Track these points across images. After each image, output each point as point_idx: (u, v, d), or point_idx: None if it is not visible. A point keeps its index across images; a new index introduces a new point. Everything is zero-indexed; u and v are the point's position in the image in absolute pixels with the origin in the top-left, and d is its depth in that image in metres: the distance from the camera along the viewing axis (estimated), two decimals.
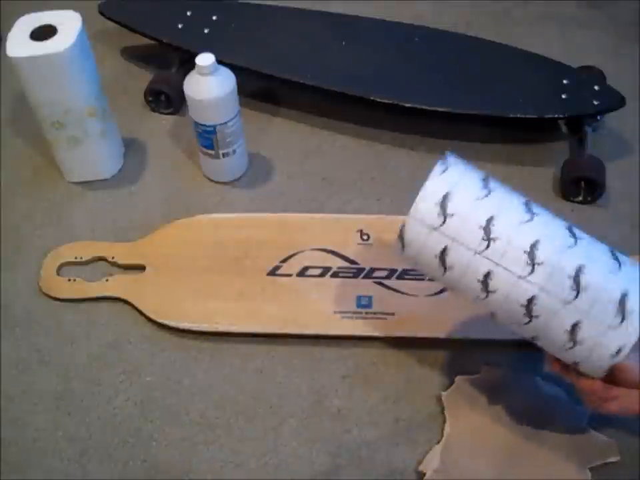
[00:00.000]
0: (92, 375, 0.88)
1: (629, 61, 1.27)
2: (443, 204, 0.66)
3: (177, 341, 0.91)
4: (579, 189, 1.04)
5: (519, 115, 1.06)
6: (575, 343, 0.65)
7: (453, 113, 1.07)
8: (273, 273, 0.95)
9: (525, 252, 0.65)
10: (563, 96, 1.07)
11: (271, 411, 0.84)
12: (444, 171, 0.68)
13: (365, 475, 0.79)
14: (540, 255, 0.64)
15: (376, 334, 0.89)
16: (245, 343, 0.90)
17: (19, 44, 0.93)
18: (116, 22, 1.23)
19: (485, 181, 0.68)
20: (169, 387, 0.87)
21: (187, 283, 0.95)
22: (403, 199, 1.05)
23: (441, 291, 0.92)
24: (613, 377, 0.68)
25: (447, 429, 0.80)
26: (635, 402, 0.66)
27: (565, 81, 1.09)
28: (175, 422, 0.84)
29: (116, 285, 0.96)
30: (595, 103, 1.05)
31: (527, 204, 0.68)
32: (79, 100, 0.99)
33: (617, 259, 0.66)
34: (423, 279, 0.93)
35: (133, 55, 1.32)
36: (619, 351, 0.63)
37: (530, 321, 0.66)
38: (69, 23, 0.95)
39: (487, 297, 0.67)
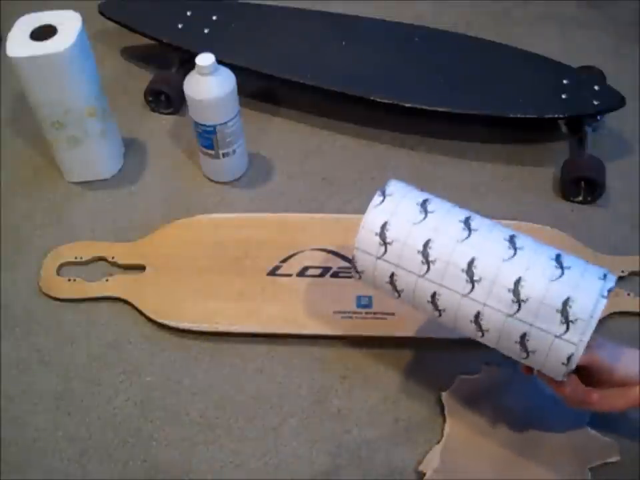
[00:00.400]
0: (92, 374, 0.88)
1: (629, 61, 1.27)
2: (382, 233, 0.69)
3: (177, 340, 0.91)
4: (579, 189, 1.04)
5: (519, 115, 1.06)
6: (527, 353, 0.66)
7: (452, 112, 1.07)
8: (273, 273, 0.95)
9: (463, 270, 0.66)
10: (563, 96, 1.07)
11: (271, 411, 0.84)
12: (382, 202, 0.71)
13: (365, 475, 0.79)
14: (478, 271, 0.66)
15: (376, 334, 0.89)
16: (244, 343, 0.90)
17: (19, 44, 0.93)
18: (116, 22, 1.23)
19: (424, 204, 0.70)
20: (169, 387, 0.87)
21: (187, 282, 0.95)
22: None
23: None
24: (596, 379, 0.68)
25: (447, 429, 0.80)
26: (617, 401, 0.68)
27: (565, 81, 1.09)
28: (175, 422, 0.84)
29: (116, 285, 0.96)
30: (595, 102, 1.05)
31: (465, 221, 0.69)
32: (79, 100, 0.99)
33: (560, 264, 0.65)
34: None
35: (133, 54, 1.32)
36: (570, 358, 0.63)
37: (483, 335, 0.68)
38: (68, 23, 0.95)
39: (440, 315, 0.69)
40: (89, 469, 0.80)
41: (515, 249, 0.66)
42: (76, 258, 0.99)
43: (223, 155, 1.04)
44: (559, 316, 0.63)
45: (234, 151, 1.05)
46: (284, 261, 0.96)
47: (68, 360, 0.90)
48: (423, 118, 1.14)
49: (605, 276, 0.65)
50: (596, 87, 1.07)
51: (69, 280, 0.96)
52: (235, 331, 0.90)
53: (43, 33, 0.94)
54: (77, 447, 0.82)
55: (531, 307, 0.64)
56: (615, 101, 1.06)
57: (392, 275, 0.70)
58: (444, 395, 0.83)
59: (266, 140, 1.16)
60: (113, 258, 0.98)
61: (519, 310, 0.64)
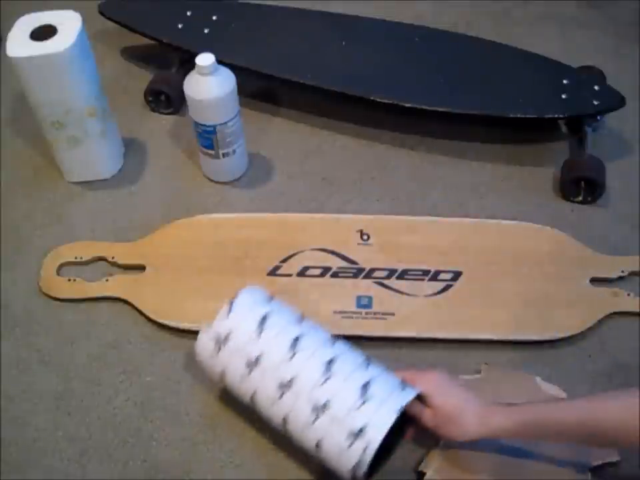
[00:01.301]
0: (92, 375, 0.88)
1: (629, 61, 1.27)
2: (222, 342, 0.77)
3: (177, 341, 0.91)
4: (579, 189, 1.04)
5: (519, 115, 1.06)
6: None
7: (452, 112, 1.07)
8: (273, 273, 0.95)
9: (278, 386, 0.73)
10: (563, 96, 1.07)
11: None
12: (225, 318, 0.78)
13: None
14: (293, 390, 0.72)
15: (376, 334, 0.89)
16: None
17: (19, 44, 0.93)
18: (116, 22, 1.23)
19: (262, 322, 0.76)
20: (169, 387, 0.87)
21: (187, 282, 0.95)
22: (403, 199, 1.07)
23: (441, 291, 0.92)
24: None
25: None
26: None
27: (565, 81, 1.09)
28: (175, 422, 0.84)
29: (116, 285, 0.95)
30: (595, 102, 1.05)
31: (295, 340, 0.75)
32: (79, 100, 0.99)
33: (364, 395, 0.70)
34: (423, 279, 0.93)
35: (133, 55, 1.32)
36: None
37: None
38: (68, 23, 0.96)
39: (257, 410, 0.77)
40: (89, 468, 0.80)
41: (329, 376, 0.72)
42: (76, 258, 0.99)
43: (223, 155, 1.04)
44: (349, 440, 0.69)
45: (234, 151, 1.05)
46: (284, 261, 0.96)
47: (68, 360, 0.90)
48: (423, 118, 1.14)
49: (400, 408, 0.69)
50: (596, 87, 1.07)
51: (69, 280, 0.96)
52: None
53: (43, 33, 0.94)
54: (77, 446, 0.82)
55: (331, 428, 0.70)
56: (615, 101, 1.06)
57: (222, 372, 0.78)
58: None
59: (266, 140, 1.16)
60: (113, 258, 0.98)
61: (314, 422, 0.71)
